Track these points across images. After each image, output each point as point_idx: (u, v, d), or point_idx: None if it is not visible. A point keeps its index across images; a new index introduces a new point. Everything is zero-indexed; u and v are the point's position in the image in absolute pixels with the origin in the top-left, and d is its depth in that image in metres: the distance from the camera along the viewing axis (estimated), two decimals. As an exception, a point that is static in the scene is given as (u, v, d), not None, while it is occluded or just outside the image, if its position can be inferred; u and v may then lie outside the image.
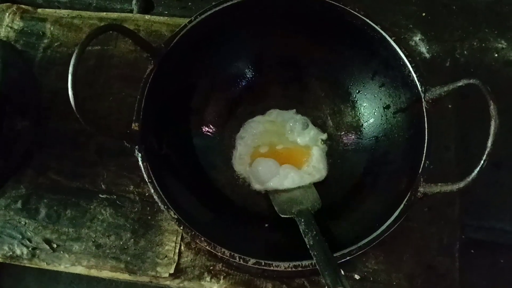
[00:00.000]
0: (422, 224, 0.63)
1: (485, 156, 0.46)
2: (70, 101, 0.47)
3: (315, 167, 0.64)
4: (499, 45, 0.73)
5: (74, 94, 0.47)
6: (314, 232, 0.52)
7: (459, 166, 0.65)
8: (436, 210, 0.64)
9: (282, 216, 0.58)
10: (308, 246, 0.51)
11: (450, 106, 0.68)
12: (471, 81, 0.49)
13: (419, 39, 0.74)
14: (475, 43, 0.74)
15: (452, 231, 0.63)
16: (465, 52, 0.73)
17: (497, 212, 0.68)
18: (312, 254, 0.50)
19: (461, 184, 0.47)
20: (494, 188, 0.67)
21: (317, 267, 0.49)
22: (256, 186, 0.64)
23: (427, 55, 0.73)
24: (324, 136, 0.66)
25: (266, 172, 0.63)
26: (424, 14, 0.76)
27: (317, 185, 0.63)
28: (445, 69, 0.72)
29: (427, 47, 0.73)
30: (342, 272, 0.49)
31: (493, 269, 0.70)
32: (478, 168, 0.46)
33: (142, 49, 0.57)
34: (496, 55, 0.73)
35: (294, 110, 0.68)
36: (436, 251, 0.62)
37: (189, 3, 0.81)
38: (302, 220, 0.55)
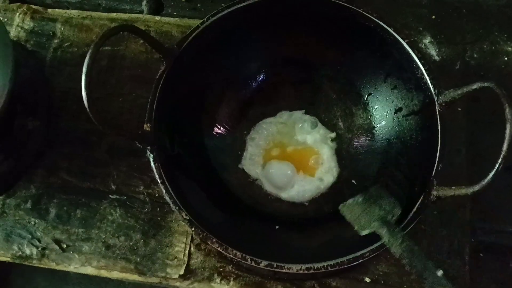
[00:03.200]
0: (433, 227, 0.63)
1: (500, 159, 0.45)
2: (81, 101, 0.47)
3: (326, 167, 0.64)
4: (510, 48, 0.73)
5: (87, 94, 0.47)
6: (400, 240, 0.49)
7: (469, 170, 0.65)
8: (446, 213, 0.63)
9: (363, 233, 0.54)
10: (399, 255, 0.49)
11: (459, 109, 0.68)
12: (485, 84, 0.48)
13: (428, 42, 0.74)
14: (485, 46, 0.73)
15: (463, 235, 0.63)
16: (475, 55, 0.73)
17: (508, 215, 0.67)
18: (405, 263, 0.49)
19: (476, 188, 0.47)
20: (505, 191, 0.67)
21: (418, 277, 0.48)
22: (269, 188, 0.64)
23: (437, 58, 0.73)
24: (333, 134, 0.66)
25: (281, 177, 0.64)
26: (434, 16, 0.76)
27: (330, 187, 0.63)
28: (455, 72, 0.71)
29: (437, 50, 0.73)
30: (442, 272, 0.48)
31: (503, 273, 0.70)
32: (493, 172, 0.46)
33: (154, 50, 0.57)
34: (506, 58, 0.73)
35: (303, 110, 0.68)
36: (446, 254, 0.62)
37: (199, 5, 0.81)
38: (384, 232, 0.51)
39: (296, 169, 0.64)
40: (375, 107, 0.65)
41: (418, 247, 0.49)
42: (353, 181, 0.63)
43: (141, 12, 0.80)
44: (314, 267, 0.50)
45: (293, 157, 0.66)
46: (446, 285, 0.46)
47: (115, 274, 0.63)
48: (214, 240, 0.52)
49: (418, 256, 0.49)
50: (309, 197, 0.63)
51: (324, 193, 0.64)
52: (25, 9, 0.76)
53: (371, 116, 0.65)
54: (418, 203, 0.51)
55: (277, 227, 0.60)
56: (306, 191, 0.63)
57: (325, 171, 0.64)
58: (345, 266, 0.50)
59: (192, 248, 0.63)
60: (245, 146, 0.66)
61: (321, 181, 0.64)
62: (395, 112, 0.62)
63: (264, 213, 0.62)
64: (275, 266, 0.51)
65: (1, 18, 0.60)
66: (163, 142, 0.57)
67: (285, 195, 0.64)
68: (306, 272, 0.50)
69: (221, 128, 0.66)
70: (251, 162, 0.65)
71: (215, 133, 0.66)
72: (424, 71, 0.55)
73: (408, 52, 0.56)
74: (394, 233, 0.50)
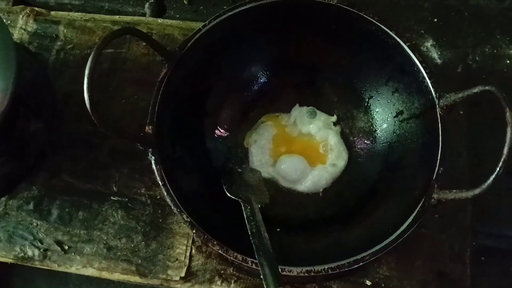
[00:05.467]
0: (434, 230, 0.63)
1: (501, 163, 0.45)
2: (83, 103, 0.47)
3: (336, 152, 0.65)
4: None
5: (89, 97, 0.47)
6: (257, 223, 0.53)
7: (470, 173, 0.65)
8: (447, 217, 0.63)
9: (228, 194, 0.59)
10: (250, 233, 0.52)
11: (461, 112, 0.68)
12: (487, 87, 0.48)
13: (430, 45, 0.74)
14: (487, 50, 0.73)
15: (464, 238, 0.63)
16: (477, 58, 0.73)
17: (508, 219, 0.67)
18: (252, 242, 0.51)
19: (477, 191, 0.47)
20: (506, 195, 0.67)
21: (255, 255, 0.49)
22: (285, 184, 0.65)
23: (439, 61, 0.73)
24: (334, 118, 0.67)
25: (294, 170, 0.64)
26: (436, 20, 0.76)
27: (330, 190, 0.63)
28: (456, 75, 0.71)
29: (439, 53, 0.73)
30: (279, 268, 0.50)
31: (504, 276, 0.70)
32: (494, 175, 0.46)
33: (156, 52, 0.57)
34: (508, 61, 0.73)
35: (297, 104, 0.68)
36: (447, 257, 0.62)
37: (201, 7, 0.82)
38: (248, 207, 0.55)
39: (307, 160, 0.65)
40: (376, 110, 0.65)
41: (267, 236, 0.52)
42: (354, 184, 0.63)
43: (144, 14, 0.80)
44: (314, 270, 0.50)
45: (302, 149, 0.66)
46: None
47: (116, 276, 0.64)
48: (215, 242, 0.52)
49: (265, 243, 0.51)
50: (325, 185, 0.64)
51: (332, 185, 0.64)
52: (28, 11, 0.77)
53: (372, 119, 0.65)
54: (419, 207, 0.51)
55: (278, 229, 0.60)
56: (321, 180, 0.64)
57: (335, 156, 0.65)
58: (346, 269, 0.50)
59: (193, 250, 0.64)
60: (249, 149, 0.67)
61: (334, 167, 0.64)
62: (396, 115, 0.62)
63: (265, 216, 0.62)
64: (276, 268, 0.51)
65: (4, 20, 0.60)
66: (164, 144, 0.57)
67: (301, 187, 0.64)
68: (307, 275, 0.50)
69: (223, 131, 0.66)
70: (260, 164, 0.66)
71: (216, 136, 0.66)
72: (425, 75, 0.55)
73: (409, 55, 0.56)
74: (255, 214, 0.54)
